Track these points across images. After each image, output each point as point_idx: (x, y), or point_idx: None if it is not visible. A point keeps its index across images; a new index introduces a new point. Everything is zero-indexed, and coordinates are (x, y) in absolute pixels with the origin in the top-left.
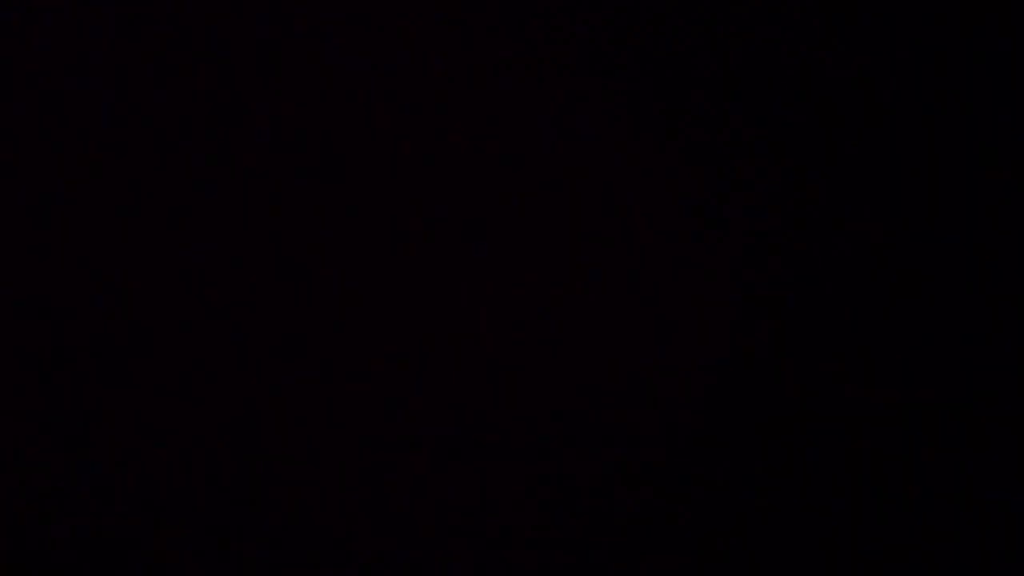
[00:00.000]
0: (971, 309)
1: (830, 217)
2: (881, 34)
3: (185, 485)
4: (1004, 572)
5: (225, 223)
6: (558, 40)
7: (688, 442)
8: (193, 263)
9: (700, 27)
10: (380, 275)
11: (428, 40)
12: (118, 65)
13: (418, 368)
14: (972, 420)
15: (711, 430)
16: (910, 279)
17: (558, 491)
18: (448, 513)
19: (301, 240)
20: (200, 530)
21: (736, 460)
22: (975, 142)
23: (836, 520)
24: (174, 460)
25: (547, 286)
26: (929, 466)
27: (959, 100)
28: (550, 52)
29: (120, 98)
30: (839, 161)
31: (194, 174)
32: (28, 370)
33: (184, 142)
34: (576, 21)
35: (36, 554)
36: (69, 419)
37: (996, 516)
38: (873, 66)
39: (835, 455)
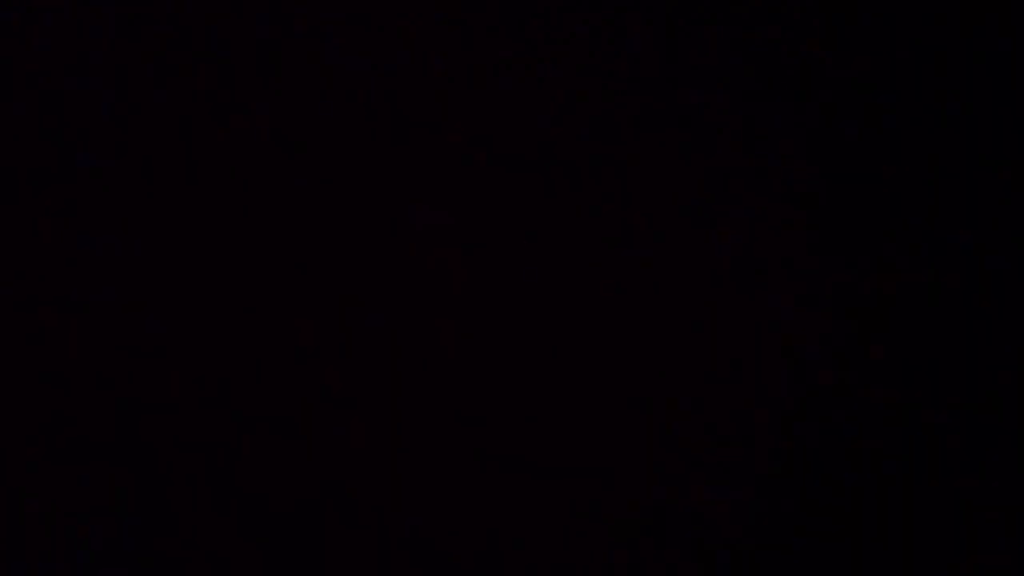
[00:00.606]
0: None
1: (846, 218)
2: (881, 34)
3: (182, 486)
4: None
5: (224, 223)
6: (558, 40)
7: (699, 447)
8: (190, 263)
9: (700, 27)
10: (381, 276)
11: (428, 40)
12: (118, 65)
13: (420, 370)
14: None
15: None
16: (912, 280)
17: (566, 496)
18: (451, 518)
19: (301, 240)
20: (198, 532)
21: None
22: (980, 143)
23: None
24: (172, 461)
25: (550, 288)
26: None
27: (961, 100)
28: (550, 52)
29: (120, 98)
30: (848, 164)
31: (192, 174)
32: (28, 370)
33: (183, 142)
34: (576, 21)
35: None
36: (68, 419)
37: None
38: (875, 66)
39: (852, 460)
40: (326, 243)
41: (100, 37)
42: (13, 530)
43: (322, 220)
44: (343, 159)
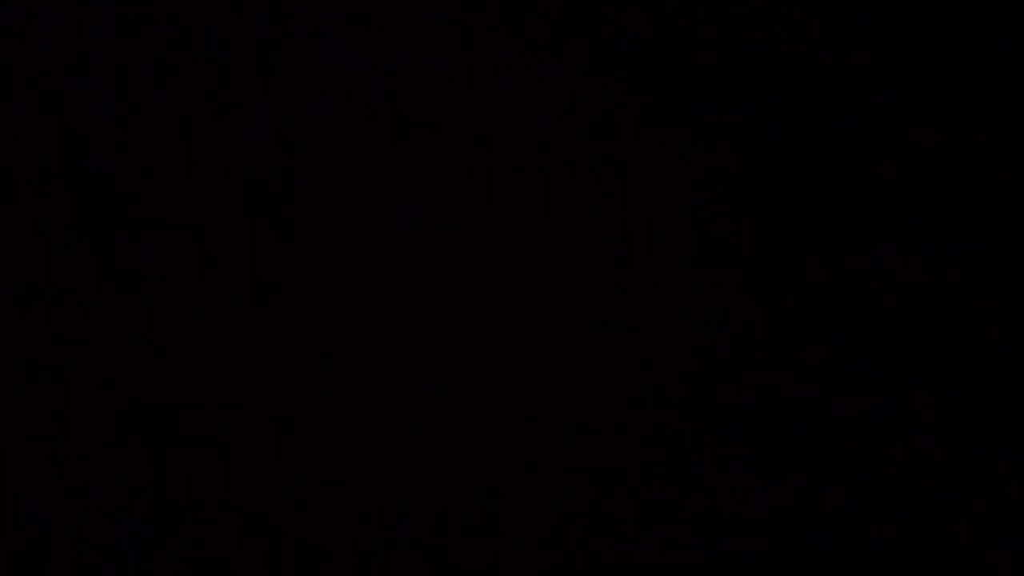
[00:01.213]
0: (972, 312)
1: (830, 217)
2: (881, 34)
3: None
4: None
5: (224, 222)
6: (558, 40)
7: (679, 442)
8: (190, 263)
9: (700, 26)
10: (381, 275)
11: (428, 40)
12: (118, 65)
13: (420, 369)
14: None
15: (699, 430)
16: (911, 280)
17: (555, 491)
18: (446, 516)
19: (300, 240)
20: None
21: (725, 461)
22: (976, 143)
23: (830, 522)
24: (172, 460)
25: (549, 287)
26: (927, 469)
27: (960, 100)
28: (550, 53)
29: (120, 98)
30: (841, 163)
31: (192, 174)
32: (28, 368)
33: (183, 142)
34: (576, 20)
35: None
36: (67, 418)
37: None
38: (874, 66)
39: (828, 458)
40: (326, 243)
41: (100, 37)
42: (13, 530)
43: (322, 220)
44: (343, 159)
